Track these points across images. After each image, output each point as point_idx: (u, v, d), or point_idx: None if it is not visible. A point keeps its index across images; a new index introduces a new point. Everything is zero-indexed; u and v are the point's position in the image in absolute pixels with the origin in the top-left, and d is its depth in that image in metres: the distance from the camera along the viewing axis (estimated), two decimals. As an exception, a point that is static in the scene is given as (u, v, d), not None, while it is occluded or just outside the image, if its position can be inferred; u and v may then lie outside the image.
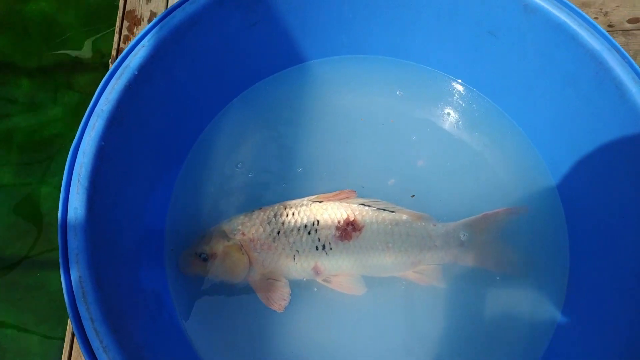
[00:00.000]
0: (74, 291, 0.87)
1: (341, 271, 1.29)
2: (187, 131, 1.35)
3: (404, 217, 1.31)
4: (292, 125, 1.41)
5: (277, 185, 1.39)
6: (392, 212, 1.31)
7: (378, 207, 1.32)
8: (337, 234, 1.28)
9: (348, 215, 1.28)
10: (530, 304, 1.24)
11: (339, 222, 1.27)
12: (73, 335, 1.27)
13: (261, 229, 1.28)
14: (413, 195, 1.37)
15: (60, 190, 0.93)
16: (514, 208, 1.47)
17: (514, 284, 1.25)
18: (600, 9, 1.51)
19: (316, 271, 1.28)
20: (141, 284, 1.10)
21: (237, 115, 1.44)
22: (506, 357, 1.18)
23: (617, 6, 1.51)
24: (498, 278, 1.25)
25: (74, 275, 0.88)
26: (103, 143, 0.98)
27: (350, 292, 1.29)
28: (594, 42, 1.04)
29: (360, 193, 1.32)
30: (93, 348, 0.85)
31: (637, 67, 0.98)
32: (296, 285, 1.25)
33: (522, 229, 1.30)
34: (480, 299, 1.25)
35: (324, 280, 1.28)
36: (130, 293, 1.02)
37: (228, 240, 1.28)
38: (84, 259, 0.89)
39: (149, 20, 1.46)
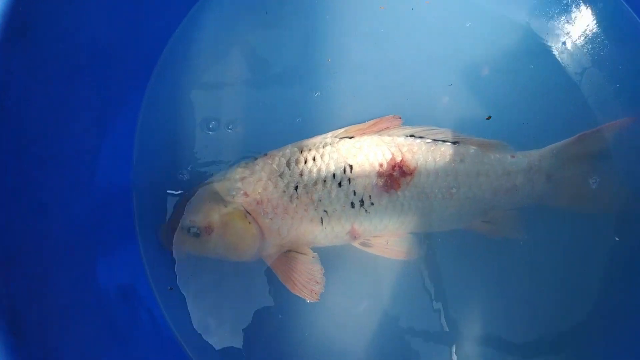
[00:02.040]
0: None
1: (386, 231, 1.04)
2: (146, 46, 1.10)
3: (471, 149, 1.04)
4: (297, 19, 1.14)
5: (286, 118, 1.11)
6: (455, 142, 1.05)
7: (434, 137, 1.04)
8: (380, 183, 1.00)
9: (393, 155, 1.00)
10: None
11: (380, 165, 1.00)
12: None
13: (271, 185, 1.00)
14: (489, 117, 1.11)
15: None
16: (622, 120, 1.08)
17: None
18: None
19: (352, 235, 1.03)
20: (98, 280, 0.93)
21: (217, 13, 1.18)
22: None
23: None
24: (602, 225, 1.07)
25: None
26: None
27: (398, 257, 1.06)
28: None
29: (407, 116, 1.04)
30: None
31: None
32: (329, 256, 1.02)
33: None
34: (572, 253, 1.06)
35: (362, 244, 1.04)
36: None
37: (226, 205, 1.00)
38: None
39: None
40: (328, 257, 1.04)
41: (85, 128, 0.96)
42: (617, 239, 1.08)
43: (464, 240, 1.07)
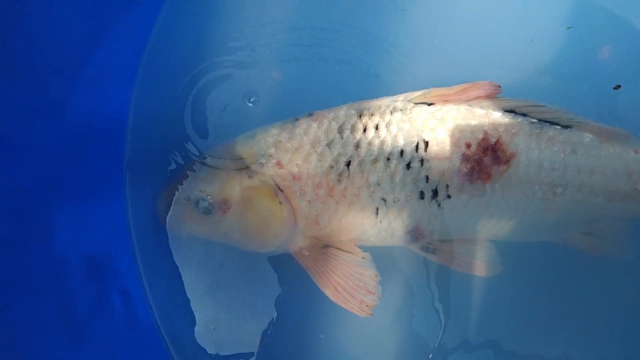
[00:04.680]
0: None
1: (459, 235, 0.85)
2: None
3: (587, 136, 0.85)
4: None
5: (345, 61, 0.95)
6: (566, 127, 0.85)
7: (541, 116, 0.84)
8: (464, 170, 0.81)
9: (486, 133, 0.82)
10: None
11: (467, 145, 0.81)
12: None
13: (314, 156, 0.82)
14: (618, 86, 0.93)
15: None
16: None
17: None
18: None
19: (415, 235, 0.84)
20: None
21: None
22: None
23: None
24: None
25: None
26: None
27: (470, 271, 0.87)
28: None
29: (508, 86, 0.83)
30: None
31: None
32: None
33: None
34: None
35: (424, 249, 0.86)
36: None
37: (250, 176, 0.82)
38: None
39: None
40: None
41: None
42: None
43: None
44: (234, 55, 0.97)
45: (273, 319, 0.90)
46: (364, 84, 0.94)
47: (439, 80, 0.88)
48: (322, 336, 0.91)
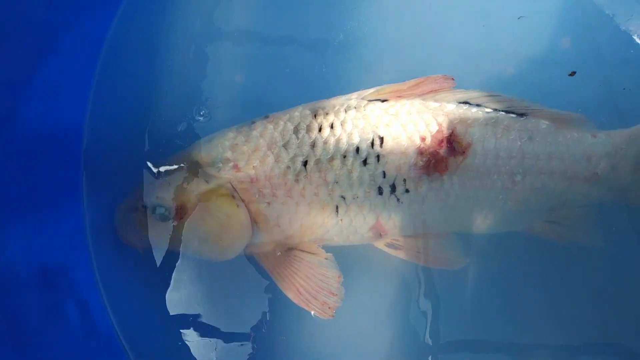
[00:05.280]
0: None
1: (422, 229, 0.85)
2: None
3: (543, 123, 0.85)
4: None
5: (299, 64, 0.95)
6: (522, 115, 0.85)
7: (495, 106, 0.84)
8: (420, 163, 0.81)
9: (440, 126, 0.82)
10: None
11: (422, 139, 0.81)
12: None
13: (271, 158, 0.82)
14: (573, 72, 0.93)
15: None
16: None
17: None
18: None
19: (377, 231, 0.84)
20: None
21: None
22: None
23: None
24: None
25: None
26: None
27: (436, 265, 0.88)
28: None
29: (461, 78, 0.84)
30: None
31: None
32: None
33: None
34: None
35: (389, 246, 0.85)
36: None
37: (207, 181, 0.82)
38: None
39: None
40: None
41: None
42: None
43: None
44: (188, 64, 0.96)
45: (234, 323, 0.87)
46: (318, 86, 0.93)
47: (396, 76, 0.87)
48: (283, 338, 0.89)
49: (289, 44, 0.97)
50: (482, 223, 0.85)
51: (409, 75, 0.85)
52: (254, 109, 0.91)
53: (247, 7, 1.02)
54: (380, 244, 0.85)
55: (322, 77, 0.95)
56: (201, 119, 0.93)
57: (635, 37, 0.97)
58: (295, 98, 0.89)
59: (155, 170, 0.86)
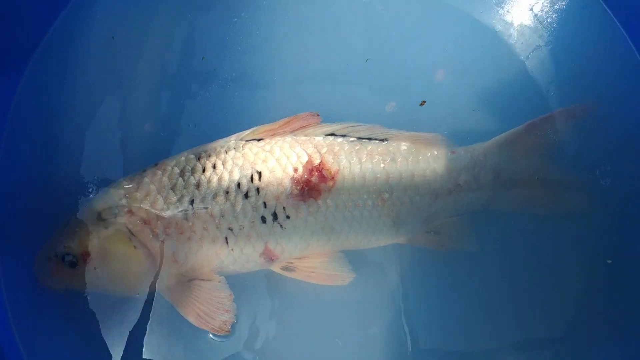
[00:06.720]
0: None
1: (309, 250, 0.91)
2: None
3: (403, 145, 0.94)
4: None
5: (182, 122, 1.02)
6: (383, 140, 0.94)
7: (358, 135, 0.93)
8: (296, 191, 0.88)
9: (310, 157, 0.89)
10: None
11: (295, 170, 0.88)
12: None
13: (160, 200, 0.87)
14: (423, 102, 1.02)
15: None
16: (577, 106, 0.99)
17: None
18: None
19: (268, 257, 0.90)
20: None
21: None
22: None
23: None
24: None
25: None
26: None
27: (328, 282, 0.92)
28: None
29: (327, 114, 0.92)
30: None
31: None
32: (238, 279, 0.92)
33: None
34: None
35: (284, 269, 0.91)
36: None
37: (106, 227, 0.87)
38: None
39: None
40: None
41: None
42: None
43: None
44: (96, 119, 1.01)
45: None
46: (211, 120, 1.00)
47: (266, 118, 0.94)
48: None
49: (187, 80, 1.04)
50: (364, 239, 0.92)
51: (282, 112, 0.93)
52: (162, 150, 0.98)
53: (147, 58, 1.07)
54: (276, 268, 0.91)
55: (214, 110, 1.02)
56: (119, 159, 0.98)
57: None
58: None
59: (65, 220, 0.89)
